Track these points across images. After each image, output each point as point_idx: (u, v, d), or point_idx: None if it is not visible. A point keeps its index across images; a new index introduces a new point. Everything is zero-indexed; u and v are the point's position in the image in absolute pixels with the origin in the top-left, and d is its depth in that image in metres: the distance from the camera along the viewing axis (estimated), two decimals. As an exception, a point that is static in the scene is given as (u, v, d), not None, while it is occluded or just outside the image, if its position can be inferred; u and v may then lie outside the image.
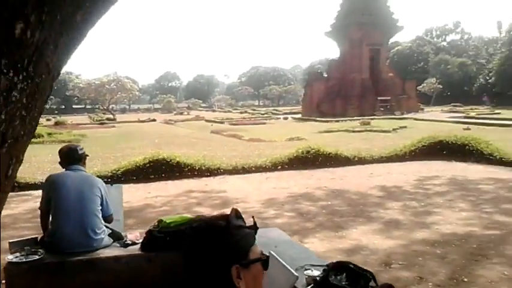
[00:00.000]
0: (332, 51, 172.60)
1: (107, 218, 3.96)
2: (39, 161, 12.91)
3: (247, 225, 1.39)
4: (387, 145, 15.09)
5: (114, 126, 36.51)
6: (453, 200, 7.61)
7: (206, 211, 7.07)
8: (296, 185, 9.15)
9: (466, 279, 4.40)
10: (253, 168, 10.80)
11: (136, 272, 3.66)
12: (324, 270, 3.01)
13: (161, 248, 3.74)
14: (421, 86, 56.75)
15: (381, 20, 43.55)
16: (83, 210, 3.72)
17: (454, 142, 11.84)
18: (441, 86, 60.73)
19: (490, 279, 4.41)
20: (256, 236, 1.39)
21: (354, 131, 24.36)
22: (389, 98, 42.07)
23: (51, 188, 3.77)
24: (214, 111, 70.62)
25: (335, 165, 11.23)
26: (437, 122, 29.55)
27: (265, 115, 49.54)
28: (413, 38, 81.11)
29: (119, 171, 9.80)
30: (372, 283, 2.87)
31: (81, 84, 61.05)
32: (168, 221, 3.92)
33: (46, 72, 2.36)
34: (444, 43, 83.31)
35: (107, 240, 3.87)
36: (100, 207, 3.85)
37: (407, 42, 79.56)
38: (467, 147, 11.52)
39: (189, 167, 10.35)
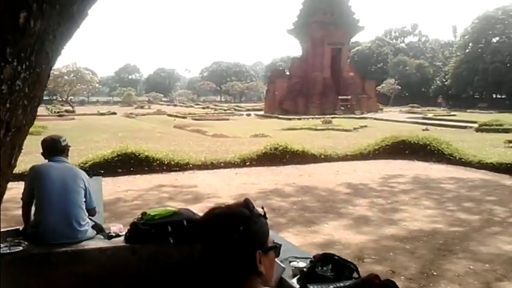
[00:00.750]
0: (294, 49, 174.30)
1: (91, 211, 3.97)
2: None
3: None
4: (350, 144, 15.45)
5: (73, 119, 35.70)
6: (418, 198, 7.93)
7: (179, 205, 7.09)
8: (266, 181, 9.28)
9: (435, 273, 4.64)
10: (222, 164, 10.87)
11: (121, 263, 3.68)
12: (310, 261, 3.13)
13: (145, 240, 3.78)
14: (380, 86, 57.94)
15: (343, 20, 44.27)
16: (67, 201, 3.72)
17: (416, 142, 12.27)
18: (399, 87, 62.22)
19: (457, 273, 4.66)
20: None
21: (316, 129, 24.69)
22: (349, 97, 42.87)
23: (34, 178, 3.74)
24: (175, 105, 69.99)
25: (302, 162, 11.44)
26: (396, 122, 30.35)
27: (228, 111, 49.51)
28: (373, 39, 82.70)
29: (87, 165, 9.66)
30: (355, 274, 3.02)
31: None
32: (152, 214, 3.95)
33: (46, 62, 2.39)
34: (403, 44, 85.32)
35: (91, 232, 3.88)
36: (84, 199, 3.85)
37: (367, 43, 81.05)
38: (428, 147, 11.96)
39: (158, 162, 10.32)
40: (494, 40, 63.60)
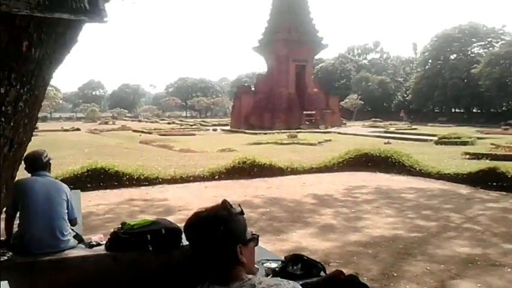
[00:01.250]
0: (259, 65, 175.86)
1: (72, 221, 4.17)
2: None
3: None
4: (315, 157, 15.87)
5: (37, 135, 35.11)
6: (380, 207, 8.35)
7: (153, 218, 7.28)
8: (235, 193, 9.55)
9: (395, 274, 5.01)
10: (191, 178, 11.08)
11: (103, 270, 3.88)
12: (282, 262, 3.43)
13: (126, 248, 4.00)
14: (343, 102, 59.26)
15: (307, 38, 45.28)
16: (51, 213, 3.91)
17: (378, 155, 12.78)
18: (362, 102, 63.78)
19: (415, 273, 5.04)
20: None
21: (282, 143, 25.11)
22: (314, 112, 43.70)
23: (19, 192, 3.92)
24: (140, 121, 69.52)
25: (270, 175, 11.77)
26: (360, 136, 31.14)
27: (194, 126, 49.59)
28: (336, 56, 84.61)
29: (56, 180, 9.69)
30: (322, 273, 3.33)
31: None
32: (132, 223, 4.17)
33: (43, 85, 2.69)
34: (365, 61, 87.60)
35: (73, 241, 4.07)
36: (66, 211, 4.05)
37: (330, 60, 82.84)
38: (390, 159, 12.48)
39: (127, 176, 10.45)
40: (452, 57, 66.18)
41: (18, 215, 3.96)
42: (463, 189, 10.04)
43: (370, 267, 5.22)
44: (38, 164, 4.11)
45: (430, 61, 67.44)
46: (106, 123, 59.27)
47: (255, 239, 1.78)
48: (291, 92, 44.77)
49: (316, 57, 56.55)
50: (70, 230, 4.07)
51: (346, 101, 61.30)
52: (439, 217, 7.61)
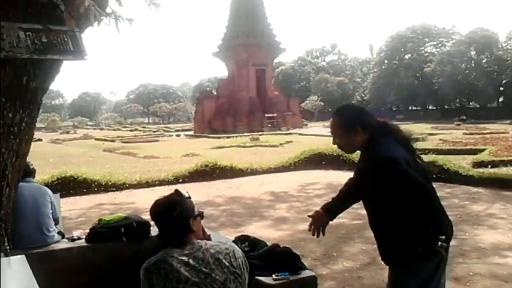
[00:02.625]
0: (221, 69, 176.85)
1: (55, 220, 4.86)
2: None
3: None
4: (275, 158, 16.73)
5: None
6: (328, 200, 9.23)
7: (122, 218, 7.97)
8: (198, 194, 10.26)
9: (335, 254, 5.89)
10: (156, 182, 11.74)
11: (84, 260, 4.58)
12: (232, 241, 4.24)
13: (103, 240, 4.72)
14: (304, 103, 60.65)
15: (265, 42, 46.32)
16: (38, 213, 4.59)
17: (330, 153, 13.73)
18: (322, 103, 65.35)
19: (352, 253, 5.94)
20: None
21: (244, 146, 25.87)
22: (275, 115, 44.80)
23: None
24: (102, 129, 69.10)
25: (231, 176, 12.55)
26: (320, 136, 32.17)
27: (157, 132, 49.86)
28: (296, 59, 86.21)
29: (40, 185, 10.23)
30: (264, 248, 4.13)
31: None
32: (107, 219, 4.90)
33: (37, 108, 3.51)
34: (324, 63, 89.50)
35: (57, 237, 4.76)
36: (51, 211, 4.75)
37: (290, 63, 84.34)
38: (341, 157, 13.44)
39: (96, 183, 11.04)
40: (406, 57, 68.59)
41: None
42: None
43: (315, 249, 6.09)
44: (25, 171, 4.79)
45: (385, 61, 69.70)
46: (67, 132, 58.71)
47: (201, 214, 2.61)
48: (252, 96, 45.70)
49: (276, 60, 57.77)
50: (54, 227, 4.76)
51: (306, 103, 62.73)
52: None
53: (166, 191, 10.68)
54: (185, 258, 2.33)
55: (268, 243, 6.47)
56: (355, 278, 5.06)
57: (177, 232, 2.45)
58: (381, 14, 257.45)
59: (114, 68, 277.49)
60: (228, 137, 34.45)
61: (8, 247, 3.07)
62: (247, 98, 45.23)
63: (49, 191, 4.86)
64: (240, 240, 4.18)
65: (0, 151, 2.96)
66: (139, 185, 11.50)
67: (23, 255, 3.38)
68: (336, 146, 2.91)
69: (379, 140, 2.66)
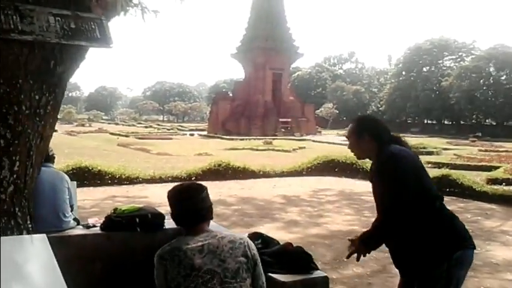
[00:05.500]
0: (237, 71, 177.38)
1: (71, 207, 4.93)
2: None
3: None
4: (288, 163, 16.73)
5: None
6: (341, 207, 9.27)
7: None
8: (211, 193, 10.01)
9: (345, 260, 5.88)
10: (169, 178, 11.81)
11: (99, 247, 4.63)
12: (246, 238, 4.26)
13: (117, 229, 4.78)
14: (319, 110, 60.51)
15: (284, 46, 46.30)
16: (56, 198, 4.66)
17: (344, 161, 13.74)
18: (337, 111, 65.14)
19: (363, 259, 5.87)
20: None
21: (258, 150, 25.93)
22: (290, 120, 44.77)
23: None
24: (117, 124, 69.61)
25: (243, 177, 12.60)
26: (333, 144, 32.19)
27: (171, 130, 50.13)
28: (313, 65, 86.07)
29: (59, 171, 10.37)
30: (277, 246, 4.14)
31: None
32: (123, 209, 4.97)
33: (61, 94, 3.58)
34: (341, 71, 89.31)
35: (73, 223, 4.83)
36: (68, 197, 4.82)
37: (307, 68, 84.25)
38: (354, 165, 13.43)
39: (110, 175, 11.15)
40: (424, 69, 68.14)
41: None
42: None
43: (325, 254, 6.10)
44: (46, 157, 4.86)
45: (403, 72, 69.26)
46: (83, 125, 59.27)
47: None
48: (268, 100, 45.71)
49: (293, 65, 57.69)
50: (71, 213, 4.83)
51: (321, 110, 62.58)
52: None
53: (179, 187, 10.75)
54: (199, 245, 2.38)
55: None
56: (365, 284, 5.06)
57: (198, 215, 2.52)
58: (400, 25, 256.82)
59: (132, 64, 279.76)
60: (241, 139, 34.52)
61: (30, 226, 3.12)
62: (263, 101, 45.26)
63: (67, 177, 4.92)
64: (254, 237, 4.20)
65: (26, 132, 3.03)
66: (152, 180, 11.59)
67: (44, 234, 3.45)
68: (351, 152, 3.10)
69: (389, 146, 2.82)
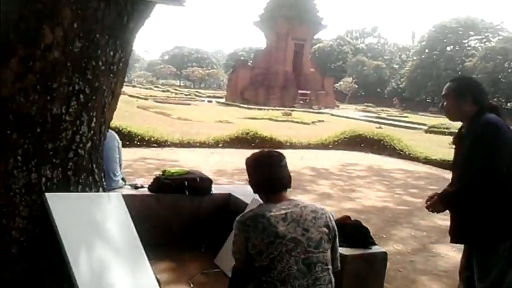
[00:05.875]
0: (256, 40, 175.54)
1: (120, 166, 4.93)
2: None
3: None
4: (310, 135, 16.68)
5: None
6: (372, 183, 9.22)
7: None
8: (239, 161, 10.25)
9: (384, 236, 5.86)
10: (197, 144, 11.84)
11: (148, 208, 4.65)
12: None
13: (166, 191, 4.78)
14: (338, 84, 59.87)
15: (307, 16, 45.40)
16: (107, 157, 4.63)
17: (371, 137, 13.65)
18: (356, 86, 64.43)
19: (401, 237, 5.91)
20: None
21: (277, 120, 25.74)
22: (309, 92, 44.30)
23: None
24: (134, 86, 69.57)
25: (270, 147, 12.50)
26: (351, 119, 31.94)
27: (189, 96, 50.06)
28: (334, 37, 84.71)
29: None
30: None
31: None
32: (172, 171, 4.99)
33: (130, 50, 3.51)
34: (362, 45, 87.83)
35: (121, 182, 4.84)
36: (118, 156, 4.82)
37: (328, 41, 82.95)
38: (382, 142, 13.34)
39: (139, 137, 11.17)
40: (448, 48, 66.70)
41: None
42: (448, 174, 10.88)
43: (363, 229, 6.06)
44: None
45: (426, 50, 67.86)
46: (101, 85, 59.14)
47: None
48: (288, 70, 45.18)
49: (315, 37, 56.85)
50: (120, 173, 4.83)
51: (340, 84, 61.93)
52: (424, 195, 8.36)
53: (207, 153, 10.82)
54: (283, 213, 2.36)
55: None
56: (407, 262, 5.04)
57: (280, 183, 2.50)
58: (426, 2, 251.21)
59: (150, 26, 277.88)
60: (259, 109, 34.36)
61: (104, 183, 3.12)
62: (283, 71, 44.76)
63: (117, 136, 4.90)
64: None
65: (101, 88, 2.99)
66: (180, 145, 11.61)
67: (119, 193, 3.45)
68: (445, 112, 3.01)
69: (489, 114, 2.77)
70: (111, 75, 3.11)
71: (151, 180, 4.93)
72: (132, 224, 3.00)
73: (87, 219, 2.73)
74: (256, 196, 4.89)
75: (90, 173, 2.89)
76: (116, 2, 3.04)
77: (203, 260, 4.48)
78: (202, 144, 11.87)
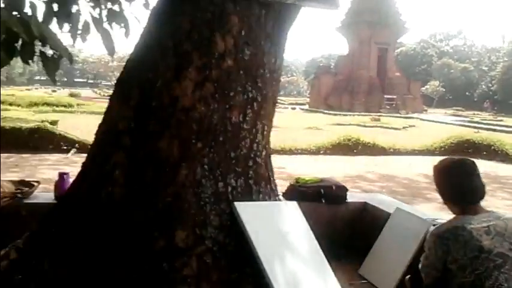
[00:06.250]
0: (334, 47, 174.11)
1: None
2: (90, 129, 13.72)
3: None
4: (406, 141, 15.99)
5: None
6: (493, 191, 8.65)
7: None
8: (345, 168, 10.08)
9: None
10: (299, 151, 11.74)
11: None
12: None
13: (302, 198, 4.65)
14: (424, 88, 57.81)
15: (390, 20, 44.31)
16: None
17: (480, 142, 12.87)
18: (444, 89, 61.93)
19: None
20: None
21: (365, 126, 25.10)
22: (395, 96, 43.10)
23: None
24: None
25: (372, 154, 12.20)
26: (443, 123, 30.50)
27: (272, 104, 50.30)
28: (418, 41, 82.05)
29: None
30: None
31: (90, 59, 61.68)
32: (306, 179, 4.88)
33: (283, 59, 3.38)
34: (448, 47, 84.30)
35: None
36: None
37: (411, 44, 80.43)
38: (492, 147, 12.53)
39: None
40: (542, 48, 62.46)
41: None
42: None
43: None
44: None
45: (518, 51, 64.07)
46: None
47: None
48: (372, 75, 44.29)
49: (398, 41, 55.26)
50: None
51: (427, 87, 59.81)
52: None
53: (310, 160, 10.61)
54: (485, 226, 2.14)
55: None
56: None
57: (477, 193, 2.32)
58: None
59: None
60: (344, 115, 33.82)
61: (276, 191, 3.03)
62: (367, 76, 43.91)
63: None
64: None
65: (269, 96, 2.90)
66: (282, 152, 11.51)
67: (295, 202, 3.37)
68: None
69: None
70: (274, 82, 3.03)
71: (285, 189, 4.84)
72: (312, 233, 2.88)
73: (274, 227, 2.65)
74: (401, 205, 4.64)
75: (268, 181, 2.81)
76: (273, 9, 2.96)
77: (344, 270, 4.28)
78: (304, 151, 11.74)
